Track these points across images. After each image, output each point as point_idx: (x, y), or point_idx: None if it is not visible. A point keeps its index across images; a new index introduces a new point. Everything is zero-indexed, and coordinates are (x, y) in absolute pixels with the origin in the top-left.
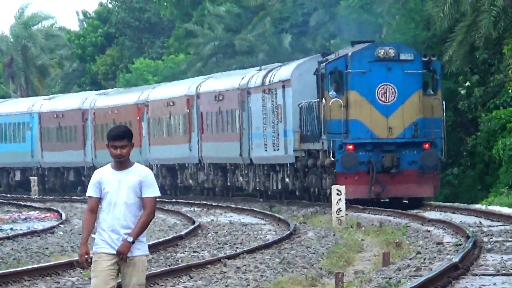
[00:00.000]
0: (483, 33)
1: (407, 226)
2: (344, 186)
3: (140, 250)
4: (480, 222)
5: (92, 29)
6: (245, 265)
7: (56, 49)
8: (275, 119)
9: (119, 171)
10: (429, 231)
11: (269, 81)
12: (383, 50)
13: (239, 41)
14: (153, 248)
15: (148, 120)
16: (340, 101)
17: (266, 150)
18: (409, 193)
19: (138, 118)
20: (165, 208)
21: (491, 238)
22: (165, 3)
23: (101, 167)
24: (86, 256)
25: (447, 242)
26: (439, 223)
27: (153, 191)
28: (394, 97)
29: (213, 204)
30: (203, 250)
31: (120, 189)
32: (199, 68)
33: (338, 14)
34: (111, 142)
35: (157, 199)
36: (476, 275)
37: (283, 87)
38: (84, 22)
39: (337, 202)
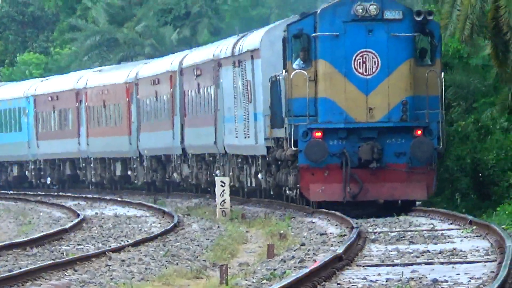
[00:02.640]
0: None
1: (292, 218)
2: (228, 178)
3: None
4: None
5: None
6: (129, 258)
7: None
8: (245, 99)
9: None
10: (313, 222)
11: (239, 49)
12: (361, 7)
13: (122, 34)
14: (37, 241)
15: (138, 102)
16: (306, 73)
17: (237, 137)
18: (395, 195)
19: (127, 100)
20: (49, 202)
21: (375, 228)
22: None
23: (93, 157)
24: None
25: (331, 233)
26: (324, 214)
27: None
28: (377, 68)
29: (96, 197)
30: (88, 244)
31: None
32: (85, 62)
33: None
34: None
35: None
36: (361, 266)
37: (252, 58)
38: None
39: (221, 194)
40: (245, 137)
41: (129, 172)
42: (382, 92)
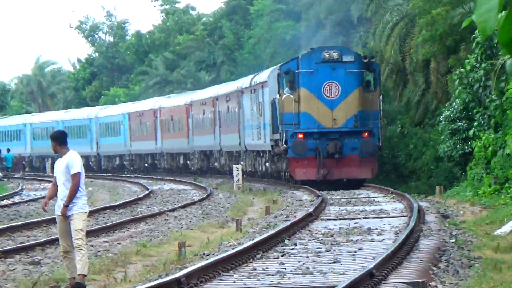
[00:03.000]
0: None
1: (281, 191)
2: (240, 166)
3: (73, 209)
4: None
5: (83, 69)
6: (179, 215)
7: (60, 82)
8: (258, 114)
9: (59, 159)
10: (294, 193)
11: (254, 82)
12: (328, 53)
13: (172, 77)
14: (122, 205)
15: (192, 116)
16: (292, 96)
17: (253, 139)
18: (352, 175)
19: (186, 115)
20: (130, 180)
21: (333, 196)
22: (128, 52)
23: (165, 152)
24: (45, 207)
25: (305, 200)
26: (301, 189)
27: (74, 169)
28: (338, 93)
29: (158, 178)
30: (153, 206)
31: (58, 172)
32: (150, 94)
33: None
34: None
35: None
36: (323, 219)
37: (262, 87)
38: (77, 65)
39: (236, 175)
40: (258, 139)
41: (188, 162)
42: (342, 108)
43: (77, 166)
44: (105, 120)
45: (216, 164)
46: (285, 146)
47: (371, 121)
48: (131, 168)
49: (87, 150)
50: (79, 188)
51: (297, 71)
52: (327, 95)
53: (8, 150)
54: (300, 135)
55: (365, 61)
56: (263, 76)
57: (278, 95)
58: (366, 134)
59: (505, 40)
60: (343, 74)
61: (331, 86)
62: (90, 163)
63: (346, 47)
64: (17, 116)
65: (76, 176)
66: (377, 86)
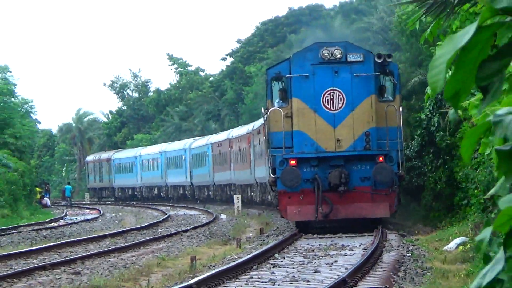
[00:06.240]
0: None
1: (272, 215)
2: (240, 195)
3: None
4: None
5: (114, 119)
6: (191, 235)
7: (96, 129)
8: (263, 147)
9: None
10: (283, 217)
11: (259, 124)
12: (327, 51)
13: (185, 125)
14: (145, 227)
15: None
16: (280, 110)
17: (261, 173)
18: (362, 213)
19: (248, 145)
20: (151, 207)
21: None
22: (150, 105)
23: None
24: None
25: (292, 222)
26: None
27: None
28: (342, 104)
29: (176, 205)
30: (170, 228)
31: None
32: (166, 139)
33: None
34: None
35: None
36: (306, 238)
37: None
38: (109, 116)
39: (237, 203)
40: (266, 171)
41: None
42: (348, 125)
43: None
44: (196, 151)
45: (210, 193)
46: (273, 176)
47: (388, 142)
48: (216, 198)
49: (182, 180)
50: None
51: (287, 75)
52: (328, 107)
53: (68, 183)
54: (293, 162)
55: (379, 60)
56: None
57: (263, 108)
58: (381, 158)
59: (449, 95)
60: (348, 79)
61: (333, 95)
62: (186, 192)
63: (352, 43)
64: (130, 150)
65: None
66: (396, 94)
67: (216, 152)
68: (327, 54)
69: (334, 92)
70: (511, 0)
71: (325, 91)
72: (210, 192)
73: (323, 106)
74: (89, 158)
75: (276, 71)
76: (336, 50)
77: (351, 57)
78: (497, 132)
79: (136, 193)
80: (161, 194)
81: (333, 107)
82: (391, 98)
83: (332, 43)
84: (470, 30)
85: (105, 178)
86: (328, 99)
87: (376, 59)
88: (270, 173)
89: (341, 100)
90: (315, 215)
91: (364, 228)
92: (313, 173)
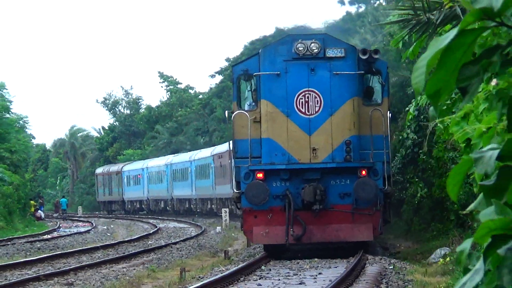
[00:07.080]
0: None
1: None
2: (227, 209)
3: None
4: None
5: (106, 135)
6: (181, 247)
7: (89, 144)
8: None
9: None
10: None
11: None
12: (302, 45)
13: (175, 140)
14: (136, 239)
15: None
16: (247, 114)
17: None
18: (341, 237)
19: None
20: (143, 220)
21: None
22: (141, 122)
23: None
24: None
25: None
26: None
27: None
28: (320, 107)
29: (165, 218)
30: (160, 240)
31: None
32: (157, 154)
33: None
34: None
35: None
36: (292, 250)
37: None
38: (101, 131)
39: (224, 216)
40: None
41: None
42: (325, 132)
43: None
44: (199, 163)
45: (213, 206)
46: (236, 191)
47: (372, 152)
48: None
49: (188, 193)
50: None
51: (255, 73)
52: (303, 111)
53: (63, 196)
54: (260, 174)
55: (364, 57)
56: None
57: (229, 112)
58: (364, 172)
59: (430, 92)
60: (327, 78)
61: (308, 97)
62: (192, 205)
63: (332, 36)
64: (138, 162)
65: None
66: (384, 96)
67: (217, 164)
68: (302, 48)
69: (309, 94)
70: (491, 1)
71: (299, 92)
72: (213, 206)
73: (296, 109)
74: (98, 170)
75: (243, 68)
76: (312, 44)
77: (330, 52)
78: (478, 168)
79: (143, 206)
80: (167, 208)
81: (308, 111)
82: (378, 101)
83: (309, 35)
84: (452, 33)
85: (114, 191)
86: (302, 102)
87: (360, 55)
88: (234, 188)
89: (318, 103)
90: (286, 238)
91: (345, 253)
92: (283, 188)
